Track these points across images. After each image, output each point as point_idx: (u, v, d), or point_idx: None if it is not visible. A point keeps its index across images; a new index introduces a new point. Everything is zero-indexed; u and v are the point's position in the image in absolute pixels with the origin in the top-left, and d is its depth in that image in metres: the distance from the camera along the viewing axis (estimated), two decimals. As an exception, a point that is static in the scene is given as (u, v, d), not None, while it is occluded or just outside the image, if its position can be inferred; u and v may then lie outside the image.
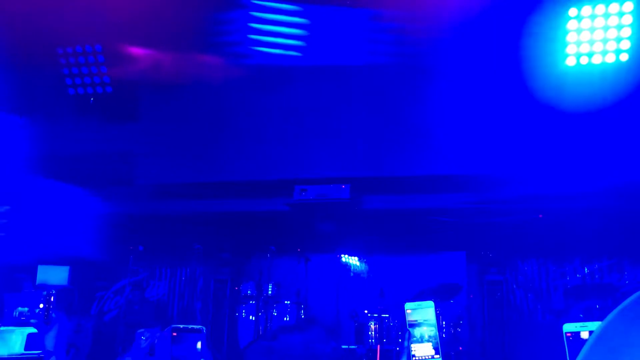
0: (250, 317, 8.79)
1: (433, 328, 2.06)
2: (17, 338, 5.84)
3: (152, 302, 9.79)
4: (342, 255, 9.63)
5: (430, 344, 2.05)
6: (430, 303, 2.08)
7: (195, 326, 6.75)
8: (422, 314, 2.07)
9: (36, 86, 8.05)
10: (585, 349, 1.06)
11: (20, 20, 6.89)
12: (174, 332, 6.41)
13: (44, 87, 8.15)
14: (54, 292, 6.58)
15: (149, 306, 9.39)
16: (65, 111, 8.24)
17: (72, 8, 6.76)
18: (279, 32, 7.50)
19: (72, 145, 8.22)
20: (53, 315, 6.52)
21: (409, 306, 2.08)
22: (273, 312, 8.58)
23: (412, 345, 2.05)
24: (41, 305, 6.43)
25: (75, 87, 8.16)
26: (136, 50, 7.88)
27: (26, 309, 6.47)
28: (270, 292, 8.50)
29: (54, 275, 7.37)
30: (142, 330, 4.61)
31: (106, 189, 8.46)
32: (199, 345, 4.00)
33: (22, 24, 6.98)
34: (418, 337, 2.06)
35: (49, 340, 6.46)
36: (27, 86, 7.86)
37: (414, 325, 2.07)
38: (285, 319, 8.63)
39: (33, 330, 6.03)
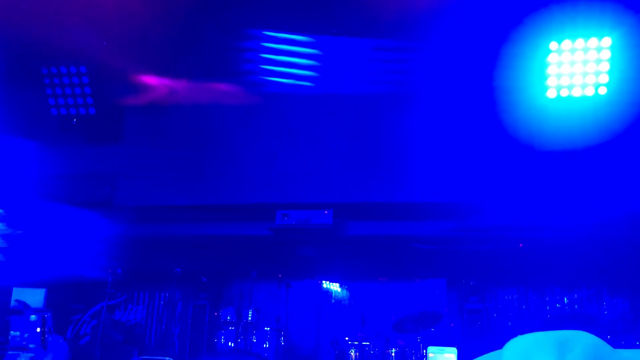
0: (230, 343, 8.67)
1: None
2: None
3: (129, 326, 9.62)
4: (324, 282, 9.58)
5: None
6: (453, 349, 2.11)
7: (163, 358, 6.71)
8: (444, 359, 2.09)
9: (19, 105, 7.99)
10: None
11: (5, 38, 6.87)
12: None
13: (27, 107, 8.10)
14: (48, 315, 6.59)
15: (125, 330, 9.22)
16: (47, 131, 8.18)
17: (58, 28, 6.76)
18: (264, 59, 7.56)
19: (53, 165, 8.15)
20: (49, 339, 6.50)
21: (431, 350, 2.12)
22: (252, 338, 8.48)
23: None
24: (38, 329, 6.43)
25: (59, 107, 8.12)
26: (121, 73, 7.88)
27: (18, 333, 6.47)
28: (250, 318, 8.40)
29: (29, 297, 7.21)
30: None
31: (86, 210, 8.37)
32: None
33: (7, 43, 6.96)
34: None
35: None
36: (11, 105, 7.80)
37: None
38: (264, 345, 8.53)
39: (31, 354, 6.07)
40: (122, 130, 8.55)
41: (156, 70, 7.84)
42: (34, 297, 7.09)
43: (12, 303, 7.16)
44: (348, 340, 8.47)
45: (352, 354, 8.29)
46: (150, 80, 7.89)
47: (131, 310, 9.86)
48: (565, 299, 8.94)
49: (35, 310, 6.82)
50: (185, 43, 7.42)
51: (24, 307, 6.79)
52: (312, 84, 7.65)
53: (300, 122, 8.09)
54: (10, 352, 6.30)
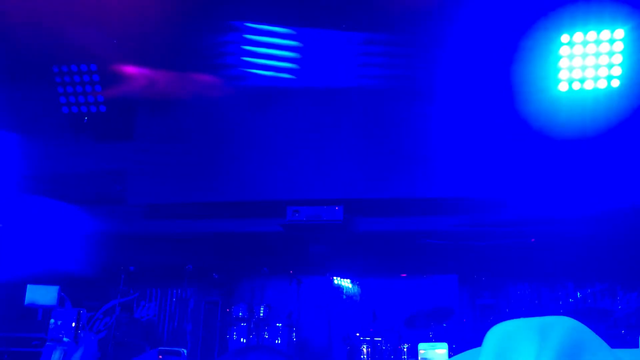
0: (242, 339, 8.69)
1: None
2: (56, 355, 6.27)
3: (141, 323, 9.67)
4: (335, 278, 9.57)
5: None
6: (444, 344, 2.11)
7: (177, 349, 6.82)
8: (435, 354, 2.10)
9: (30, 104, 8.04)
10: None
11: (16, 38, 6.90)
12: (160, 355, 6.49)
13: (38, 105, 8.14)
14: (83, 311, 6.77)
15: (138, 327, 9.27)
16: (58, 129, 8.23)
17: (68, 27, 6.78)
18: (272, 54, 7.55)
19: (65, 164, 8.19)
20: (81, 335, 6.66)
21: (422, 346, 2.12)
22: (264, 334, 8.49)
23: None
24: (73, 324, 6.60)
25: (70, 105, 8.16)
26: (131, 71, 7.90)
27: (52, 320, 6.72)
28: (262, 314, 8.41)
29: (43, 294, 7.26)
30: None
31: (98, 207, 8.41)
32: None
33: (18, 42, 7.00)
34: None
35: None
36: (22, 104, 7.85)
37: None
38: (276, 341, 8.54)
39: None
40: (133, 128, 8.58)
41: (165, 68, 7.85)
42: (47, 294, 7.12)
43: (30, 299, 7.25)
44: (360, 336, 8.46)
45: (364, 349, 8.28)
46: (157, 78, 7.90)
47: (144, 307, 9.91)
48: (578, 294, 8.88)
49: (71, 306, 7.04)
50: (191, 41, 7.43)
51: (62, 301, 6.98)
52: (322, 79, 7.63)
53: (311, 118, 8.08)
54: (49, 343, 6.53)
